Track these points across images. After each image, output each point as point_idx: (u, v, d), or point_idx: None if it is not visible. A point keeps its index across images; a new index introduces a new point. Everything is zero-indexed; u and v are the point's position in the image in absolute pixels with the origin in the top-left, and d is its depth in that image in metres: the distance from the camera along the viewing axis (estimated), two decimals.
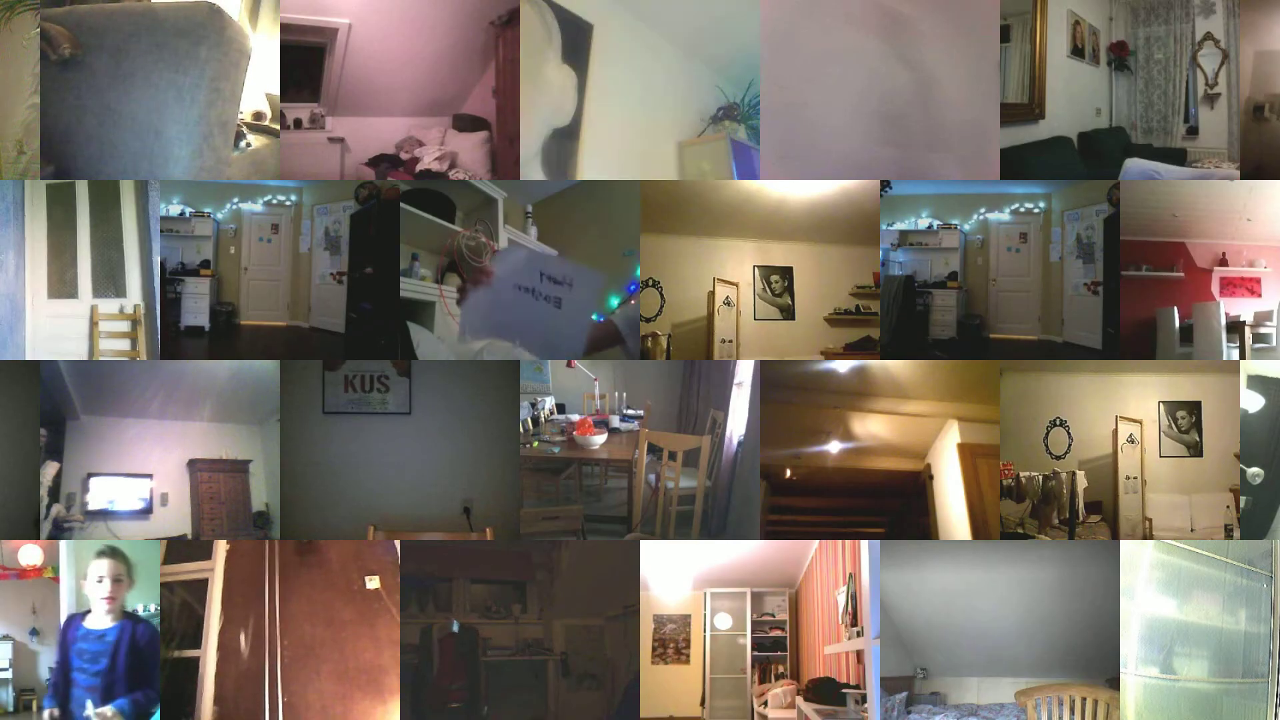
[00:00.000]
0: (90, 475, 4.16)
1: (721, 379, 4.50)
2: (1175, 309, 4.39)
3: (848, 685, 4.03)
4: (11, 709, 4.20)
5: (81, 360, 4.18)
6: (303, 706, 3.82)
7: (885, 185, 4.29)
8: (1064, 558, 4.10)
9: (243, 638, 3.86)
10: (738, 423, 4.45)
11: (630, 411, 4.77)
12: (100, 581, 3.79)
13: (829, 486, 4.34)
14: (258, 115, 4.41)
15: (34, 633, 4.19)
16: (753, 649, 4.57)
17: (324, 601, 3.95)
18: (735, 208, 4.49)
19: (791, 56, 4.26)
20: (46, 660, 4.23)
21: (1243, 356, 4.31)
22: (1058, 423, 4.29)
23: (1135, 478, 4.29)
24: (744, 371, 4.35)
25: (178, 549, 4.07)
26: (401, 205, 4.22)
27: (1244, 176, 4.40)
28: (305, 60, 4.35)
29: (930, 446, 4.32)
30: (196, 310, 4.33)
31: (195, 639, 3.88)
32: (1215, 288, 4.49)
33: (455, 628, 4.11)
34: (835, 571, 4.18)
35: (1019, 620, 4.07)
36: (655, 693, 4.16)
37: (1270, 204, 4.36)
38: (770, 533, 4.25)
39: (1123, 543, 4.06)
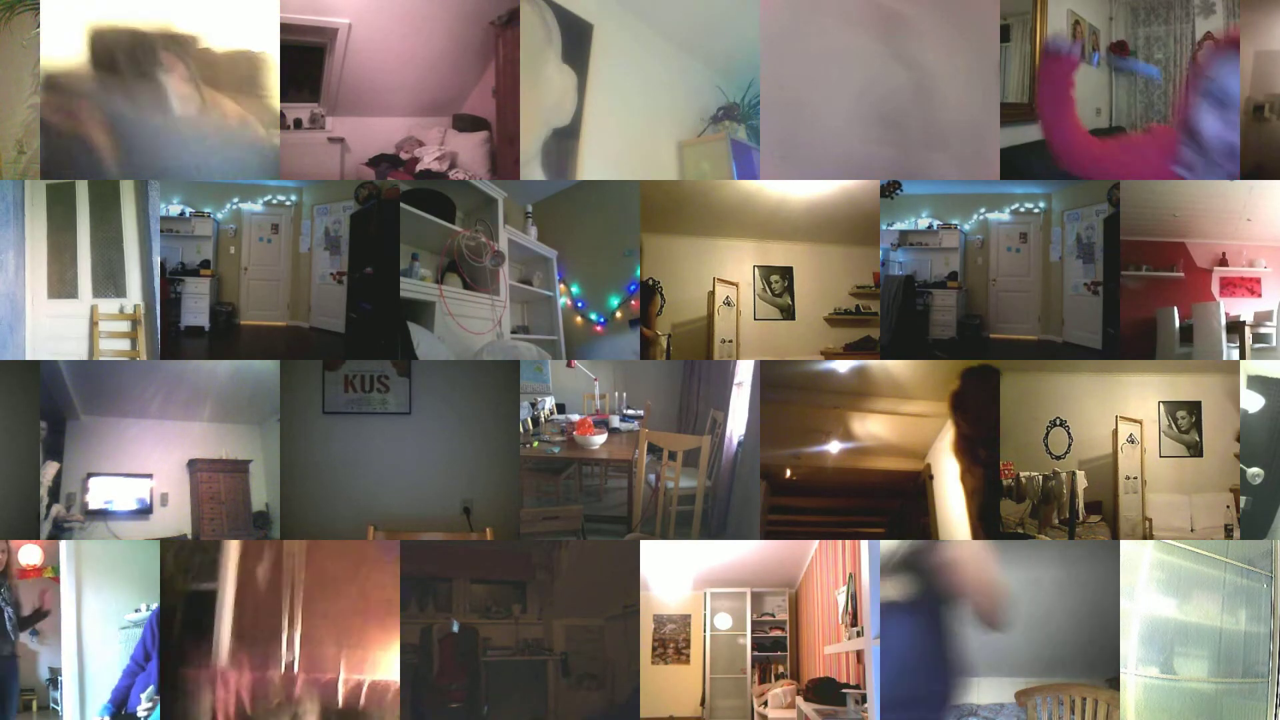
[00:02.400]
0: (90, 475, 4.16)
1: (721, 379, 4.49)
2: (1175, 309, 4.39)
3: (848, 685, 4.03)
4: None
5: (81, 360, 4.18)
6: (318, 637, 3.82)
7: (896, 187, 4.28)
8: (1064, 558, 4.10)
9: (260, 570, 3.86)
10: (738, 423, 4.44)
11: (630, 411, 4.77)
12: None
13: (829, 486, 4.34)
14: None
15: (34, 633, 4.19)
16: (753, 649, 4.57)
17: None
18: (735, 208, 4.49)
19: (791, 56, 4.26)
20: (47, 660, 4.23)
21: (1243, 356, 4.31)
22: (1058, 423, 4.29)
23: (1135, 478, 4.29)
24: (744, 371, 4.35)
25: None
26: (401, 205, 4.22)
27: (1244, 176, 4.39)
28: (305, 60, 4.35)
29: (930, 446, 4.32)
30: (196, 310, 4.33)
31: (212, 571, 3.89)
32: (1215, 288, 4.49)
33: (455, 628, 4.11)
34: (835, 571, 4.18)
35: (1019, 620, 4.06)
36: (655, 693, 4.17)
37: (1270, 204, 4.36)
38: (770, 533, 4.25)
39: (1123, 543, 4.07)
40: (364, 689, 3.80)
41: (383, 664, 3.90)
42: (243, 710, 3.77)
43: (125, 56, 4.03)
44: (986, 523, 4.11)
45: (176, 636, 3.91)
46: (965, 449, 4.17)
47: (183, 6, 4.22)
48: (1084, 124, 4.34)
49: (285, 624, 3.86)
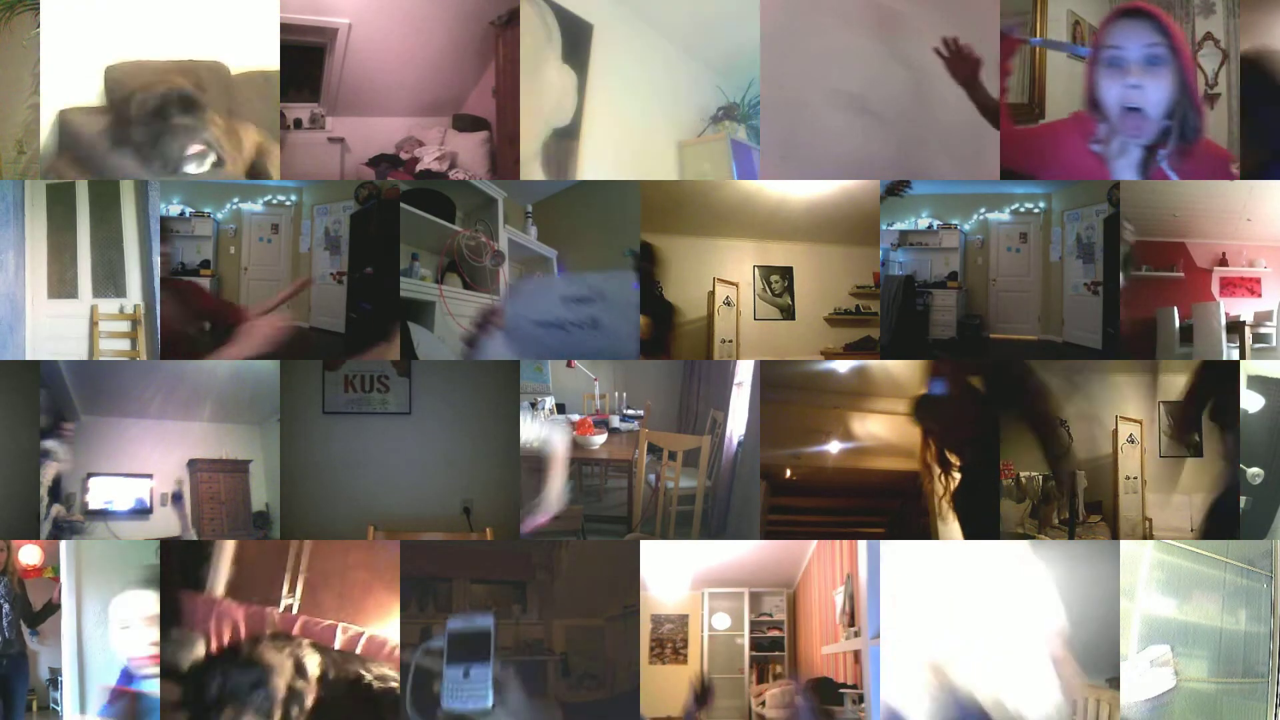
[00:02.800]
0: (90, 475, 4.16)
1: (721, 379, 4.49)
2: (1175, 309, 4.39)
3: (845, 685, 4.03)
4: None
5: (81, 360, 4.18)
6: (321, 586, 3.81)
7: (905, 185, 4.29)
8: (1064, 558, 4.09)
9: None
10: (738, 423, 4.44)
11: (630, 411, 4.77)
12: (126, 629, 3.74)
13: (829, 486, 4.34)
14: None
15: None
16: (750, 649, 4.56)
17: None
18: (735, 208, 4.49)
19: (791, 56, 4.26)
20: (47, 660, 4.23)
21: (1243, 356, 4.31)
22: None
23: (1135, 478, 4.28)
24: (744, 371, 4.35)
25: None
26: (401, 205, 4.22)
27: (1244, 176, 4.39)
28: (305, 60, 4.36)
29: None
30: None
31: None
32: (1215, 288, 4.49)
33: None
34: (833, 571, 4.18)
35: None
36: (654, 693, 4.16)
37: (1270, 204, 4.35)
38: (770, 533, 4.25)
39: (1123, 543, 4.06)
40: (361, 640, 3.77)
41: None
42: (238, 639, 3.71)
43: (139, 117, 4.04)
44: (979, 524, 4.10)
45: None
46: (937, 457, 4.18)
47: (191, 26, 4.26)
48: None
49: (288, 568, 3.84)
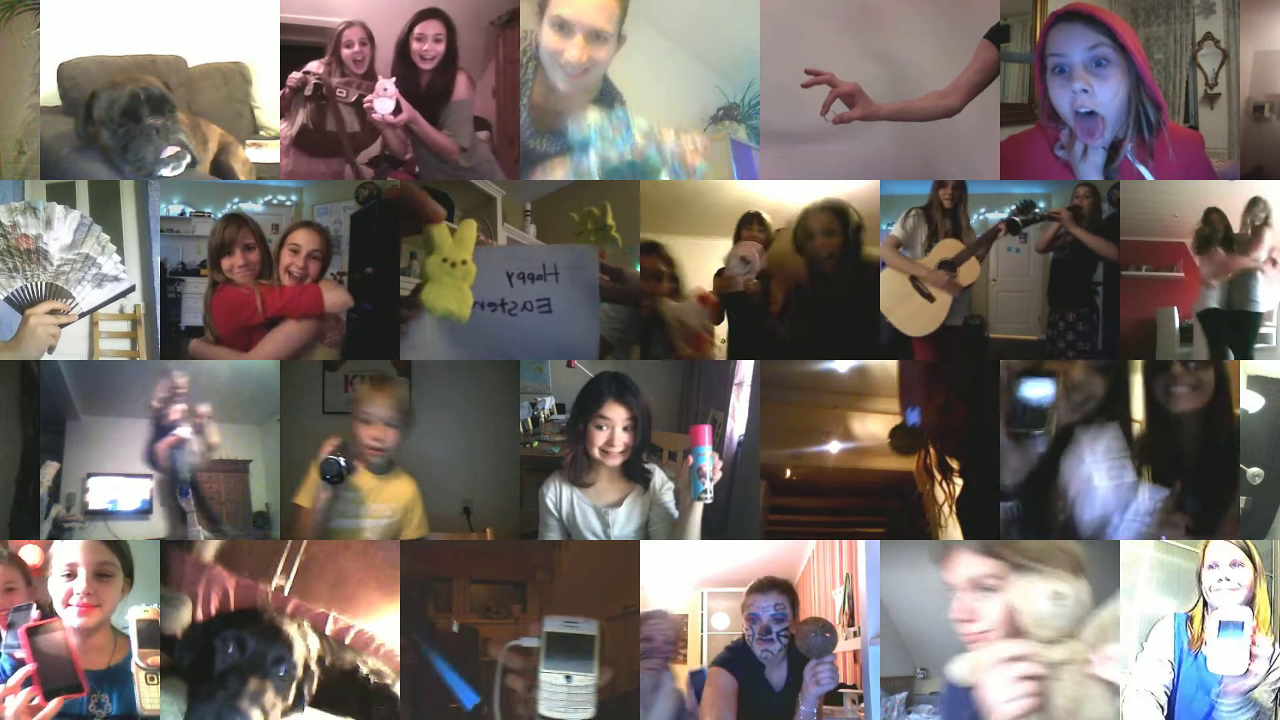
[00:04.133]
0: (90, 475, 4.16)
1: (721, 379, 4.49)
2: (1175, 309, 4.38)
3: (844, 685, 4.03)
4: None
5: (81, 360, 4.18)
6: (316, 573, 3.80)
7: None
8: None
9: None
10: (738, 423, 4.44)
11: None
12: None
13: (829, 486, 4.34)
14: None
15: None
16: None
17: None
18: (735, 208, 4.48)
19: (791, 56, 4.27)
20: None
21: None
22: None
23: None
24: (744, 371, 4.35)
25: None
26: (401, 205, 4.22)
27: (1244, 176, 4.39)
28: (305, 60, 4.35)
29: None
30: (196, 310, 4.31)
31: None
32: None
33: (455, 628, 4.10)
34: (832, 571, 4.18)
35: None
36: None
37: (1270, 204, 4.35)
38: (770, 533, 4.25)
39: (1123, 543, 4.05)
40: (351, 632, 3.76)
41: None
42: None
43: (107, 119, 4.02)
44: (976, 525, 4.10)
45: None
46: (938, 463, 4.19)
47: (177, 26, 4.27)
48: None
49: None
